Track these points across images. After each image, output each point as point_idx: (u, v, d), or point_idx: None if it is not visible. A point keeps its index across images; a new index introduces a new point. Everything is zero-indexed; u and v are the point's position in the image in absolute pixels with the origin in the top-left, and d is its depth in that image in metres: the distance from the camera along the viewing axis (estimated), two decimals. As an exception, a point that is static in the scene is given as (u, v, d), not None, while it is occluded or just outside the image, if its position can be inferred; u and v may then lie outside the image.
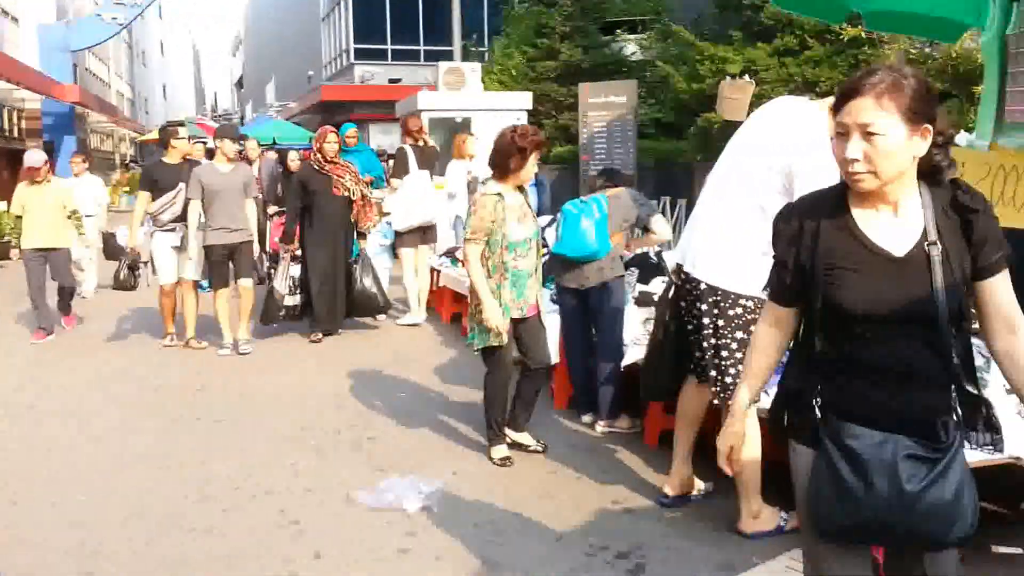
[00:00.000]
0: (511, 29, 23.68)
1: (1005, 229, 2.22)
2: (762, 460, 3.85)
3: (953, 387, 2.14)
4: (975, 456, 2.43)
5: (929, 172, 2.17)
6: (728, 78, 11.02)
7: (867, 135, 2.06)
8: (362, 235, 8.55)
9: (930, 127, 2.09)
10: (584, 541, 4.01)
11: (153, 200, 7.90)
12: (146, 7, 32.96)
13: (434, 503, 4.40)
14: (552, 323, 5.21)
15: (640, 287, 6.25)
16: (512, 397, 5.13)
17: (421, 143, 9.48)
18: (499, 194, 4.82)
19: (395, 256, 9.54)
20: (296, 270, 8.26)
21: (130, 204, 21.36)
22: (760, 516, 3.93)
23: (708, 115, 13.91)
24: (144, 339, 8.62)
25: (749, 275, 3.69)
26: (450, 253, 9.18)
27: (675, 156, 16.07)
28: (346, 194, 8.24)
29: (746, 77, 11.06)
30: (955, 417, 2.14)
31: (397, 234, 9.14)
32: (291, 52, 51.78)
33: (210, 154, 9.63)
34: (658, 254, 6.89)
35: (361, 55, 37.48)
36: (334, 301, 8.30)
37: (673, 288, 4.10)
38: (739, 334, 3.78)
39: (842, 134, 2.12)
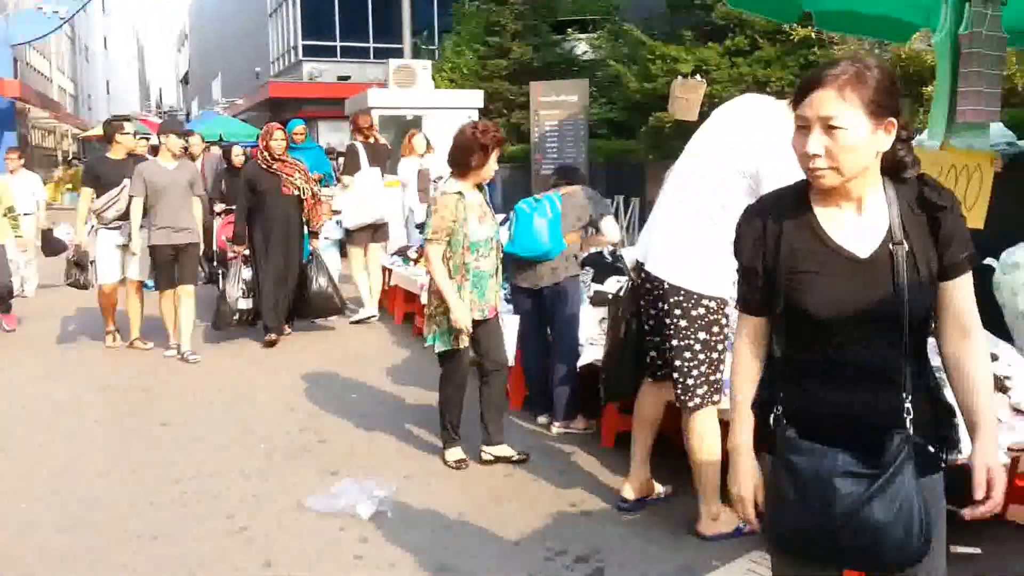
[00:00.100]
0: (462, 27, 23.67)
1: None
2: (722, 461, 3.82)
3: (915, 394, 2.05)
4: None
5: (893, 168, 2.10)
6: (680, 77, 11.01)
7: (828, 129, 1.97)
8: (314, 234, 8.36)
9: (894, 121, 2.01)
10: (542, 545, 3.94)
11: (97, 197, 7.69)
12: (88, 1, 32.31)
13: (388, 508, 4.31)
14: (511, 323, 5.12)
15: (595, 286, 6.21)
16: (480, 414, 4.97)
17: (372, 140, 9.39)
18: (460, 193, 4.72)
19: (343, 254, 9.43)
20: (248, 273, 8.04)
21: (73, 201, 20.96)
22: (719, 518, 3.89)
23: (660, 114, 13.95)
24: (88, 340, 8.40)
25: (712, 275, 3.66)
26: (402, 252, 9.08)
27: (627, 155, 16.10)
28: (296, 193, 8.05)
29: (697, 77, 11.07)
30: (909, 428, 2.01)
31: (347, 232, 9.04)
32: (238, 48, 51.11)
33: (154, 151, 9.40)
34: (612, 253, 6.86)
35: (309, 52, 37.13)
36: (282, 302, 8.09)
37: (632, 286, 4.05)
38: (702, 335, 3.74)
39: (802, 127, 2.03)
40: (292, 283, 8.10)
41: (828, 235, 2.08)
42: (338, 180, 9.97)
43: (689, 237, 3.72)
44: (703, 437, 3.84)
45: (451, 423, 4.96)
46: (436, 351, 4.84)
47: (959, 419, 2.13)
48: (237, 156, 10.39)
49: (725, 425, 3.93)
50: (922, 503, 1.95)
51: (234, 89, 48.25)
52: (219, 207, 10.20)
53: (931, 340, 2.17)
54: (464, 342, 4.75)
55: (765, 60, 13.99)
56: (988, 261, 4.95)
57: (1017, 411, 3.71)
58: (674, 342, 3.78)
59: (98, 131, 24.06)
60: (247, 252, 8.04)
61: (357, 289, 9.11)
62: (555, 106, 14.73)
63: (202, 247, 7.86)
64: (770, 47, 14.01)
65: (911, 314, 2.01)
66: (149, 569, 3.79)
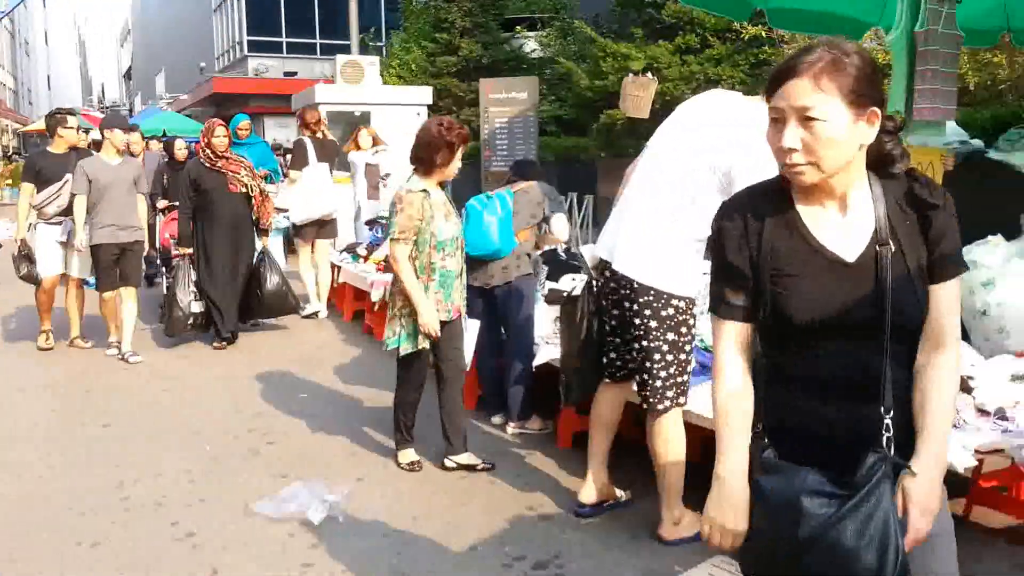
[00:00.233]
0: (409, 24, 23.55)
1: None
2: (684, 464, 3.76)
3: (898, 409, 1.88)
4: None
5: (879, 162, 1.96)
6: (631, 75, 10.99)
7: (805, 120, 1.81)
8: (263, 232, 8.13)
9: (877, 111, 1.86)
10: (500, 550, 3.84)
11: (38, 192, 7.42)
12: (27, -7, 31.64)
13: (339, 512, 4.18)
14: (472, 327, 4.97)
15: (550, 284, 6.11)
16: (441, 422, 4.79)
17: (320, 135, 9.23)
18: (425, 191, 4.60)
19: (290, 251, 9.28)
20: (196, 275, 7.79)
21: (12, 197, 20.45)
22: (681, 522, 3.82)
23: (611, 112, 13.95)
24: (27, 338, 8.11)
25: (681, 274, 3.59)
26: (351, 249, 8.93)
27: (577, 152, 16.08)
28: (243, 190, 7.80)
29: (649, 74, 11.05)
30: (887, 446, 1.85)
31: (295, 227, 8.88)
32: (182, 43, 50.46)
33: (96, 146, 9.12)
34: (567, 250, 6.77)
35: (255, 47, 36.76)
36: (233, 305, 7.81)
37: (594, 285, 3.96)
38: (670, 335, 3.66)
39: (777, 120, 1.86)
40: (242, 283, 7.84)
41: (813, 236, 1.93)
42: (285, 176, 9.78)
43: (660, 235, 3.64)
44: (668, 441, 3.76)
45: (405, 425, 4.84)
46: (401, 354, 4.70)
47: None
48: (180, 150, 10.10)
49: (688, 427, 3.88)
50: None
51: (178, 84, 47.66)
52: (161, 203, 9.93)
53: None
54: (427, 342, 4.63)
55: (716, 58, 14.07)
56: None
57: (982, 412, 3.67)
58: (643, 343, 3.69)
59: (39, 125, 23.54)
60: (190, 251, 7.78)
61: (305, 286, 8.95)
62: (505, 103, 14.66)
63: (146, 247, 7.64)
64: (721, 45, 14.10)
65: (896, 321, 1.87)
66: (88, 579, 3.63)
